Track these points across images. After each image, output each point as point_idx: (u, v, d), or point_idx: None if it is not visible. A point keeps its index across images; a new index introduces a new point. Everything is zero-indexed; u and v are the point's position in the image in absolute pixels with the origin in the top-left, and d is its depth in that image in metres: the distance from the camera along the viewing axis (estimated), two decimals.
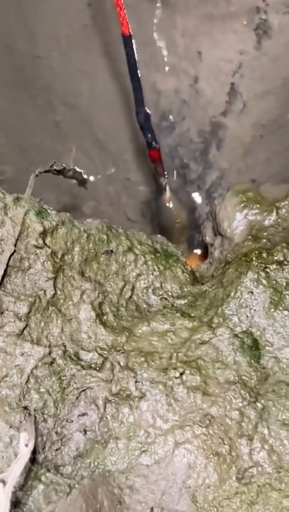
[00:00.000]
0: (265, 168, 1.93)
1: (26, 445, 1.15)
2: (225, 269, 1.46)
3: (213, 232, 1.70)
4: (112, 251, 1.46)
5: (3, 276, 1.31)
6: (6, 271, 1.32)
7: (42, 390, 1.26)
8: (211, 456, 1.20)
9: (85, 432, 1.24)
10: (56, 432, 1.24)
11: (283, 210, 1.57)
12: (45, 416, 1.24)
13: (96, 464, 1.21)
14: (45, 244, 1.37)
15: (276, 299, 1.35)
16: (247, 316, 1.35)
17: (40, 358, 1.27)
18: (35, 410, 1.23)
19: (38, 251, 1.35)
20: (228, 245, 1.59)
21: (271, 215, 1.58)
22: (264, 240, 1.49)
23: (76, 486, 1.17)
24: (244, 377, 1.28)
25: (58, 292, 1.35)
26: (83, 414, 1.25)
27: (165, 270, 1.50)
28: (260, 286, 1.36)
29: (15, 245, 1.33)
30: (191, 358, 1.30)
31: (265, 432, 1.22)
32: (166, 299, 1.46)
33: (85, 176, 1.72)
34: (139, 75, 1.66)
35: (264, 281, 1.36)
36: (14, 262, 1.34)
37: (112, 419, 1.24)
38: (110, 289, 1.43)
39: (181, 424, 1.23)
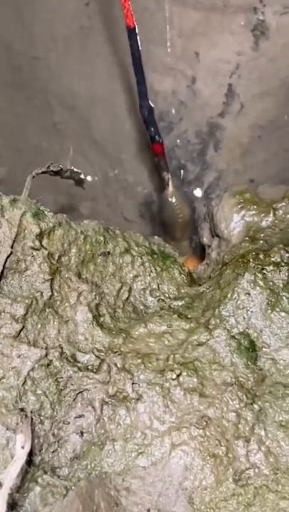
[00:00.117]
0: (262, 169, 1.93)
1: (23, 447, 1.15)
2: (222, 270, 1.46)
3: (210, 234, 1.70)
4: (108, 252, 1.46)
5: (0, 278, 1.31)
6: (2, 273, 1.32)
7: (39, 391, 1.26)
8: (208, 457, 1.20)
9: (82, 433, 1.24)
10: (53, 434, 1.24)
11: (280, 212, 1.57)
12: (41, 418, 1.24)
13: (93, 465, 1.21)
14: (42, 245, 1.37)
15: (273, 300, 1.35)
16: (244, 318, 1.35)
17: (37, 359, 1.27)
18: (31, 412, 1.23)
19: (34, 253, 1.35)
20: (226, 246, 1.59)
21: (268, 216, 1.58)
22: (261, 242, 1.49)
23: (73, 487, 1.17)
24: (241, 379, 1.28)
25: (55, 294, 1.35)
26: (80, 416, 1.25)
27: (162, 271, 1.50)
28: (257, 288, 1.36)
29: (11, 247, 1.33)
30: (188, 359, 1.30)
31: (262, 433, 1.22)
32: (163, 300, 1.46)
33: (82, 177, 1.72)
34: (143, 68, 1.65)
35: (261, 283, 1.36)
36: (11, 263, 1.33)
37: (109, 420, 1.24)
38: (107, 290, 1.43)
39: (177, 425, 1.23)
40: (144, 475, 1.19)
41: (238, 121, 1.91)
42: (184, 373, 1.27)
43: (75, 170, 1.65)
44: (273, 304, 1.35)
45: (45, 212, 1.42)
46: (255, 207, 1.60)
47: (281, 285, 1.36)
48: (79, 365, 1.30)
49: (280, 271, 1.37)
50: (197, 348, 1.31)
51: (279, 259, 1.39)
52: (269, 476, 1.19)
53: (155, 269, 1.49)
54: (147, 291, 1.47)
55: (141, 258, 1.49)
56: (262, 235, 1.53)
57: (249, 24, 1.85)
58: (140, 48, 1.60)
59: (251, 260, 1.39)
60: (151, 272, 1.49)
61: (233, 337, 1.32)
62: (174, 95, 1.93)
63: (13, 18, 2.12)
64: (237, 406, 1.24)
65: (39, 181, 1.47)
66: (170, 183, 1.87)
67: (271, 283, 1.36)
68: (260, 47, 1.86)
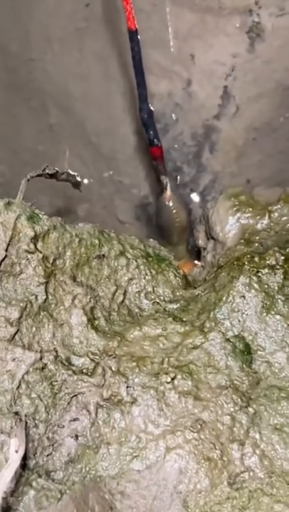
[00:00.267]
0: (258, 171, 1.93)
1: (17, 451, 1.15)
2: (217, 273, 1.46)
3: (205, 236, 1.70)
4: (103, 255, 1.46)
5: None
6: None
7: (33, 395, 1.26)
8: (203, 461, 1.20)
9: (77, 437, 1.24)
10: (47, 438, 1.23)
11: (276, 214, 1.57)
12: (36, 421, 1.24)
13: (87, 469, 1.21)
14: (37, 249, 1.37)
15: (268, 303, 1.35)
16: (239, 321, 1.35)
17: (32, 363, 1.27)
18: (26, 416, 1.23)
19: (29, 256, 1.35)
20: (221, 249, 1.59)
21: (264, 218, 1.58)
22: (256, 244, 1.49)
23: (67, 491, 1.17)
24: (236, 382, 1.28)
25: (50, 297, 1.35)
26: (74, 420, 1.25)
27: (157, 274, 1.50)
28: (252, 291, 1.36)
29: (6, 250, 1.33)
30: (183, 362, 1.29)
31: (257, 436, 1.22)
32: (158, 303, 1.46)
33: (78, 179, 1.71)
34: (144, 71, 1.66)
35: (256, 286, 1.36)
36: (5, 267, 1.33)
37: (104, 424, 1.24)
38: (102, 293, 1.43)
39: (172, 429, 1.23)
40: (138, 478, 1.19)
41: (233, 124, 1.91)
42: (179, 376, 1.27)
43: (71, 172, 1.65)
44: (268, 307, 1.35)
45: (40, 215, 1.42)
46: (250, 209, 1.60)
47: (276, 288, 1.36)
48: (74, 368, 1.30)
49: (275, 274, 1.37)
50: (192, 351, 1.31)
51: (274, 262, 1.39)
52: (264, 480, 1.19)
53: (150, 271, 1.49)
54: (142, 294, 1.47)
55: (136, 261, 1.49)
56: (257, 237, 1.53)
57: (244, 26, 1.84)
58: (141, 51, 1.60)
59: (246, 263, 1.39)
60: (147, 274, 1.49)
61: (228, 340, 1.32)
62: (169, 97, 1.93)
63: (9, 19, 2.12)
64: (232, 409, 1.24)
65: (35, 183, 1.47)
66: (168, 187, 1.87)
67: (266, 286, 1.36)
68: (255, 49, 1.85)
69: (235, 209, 1.61)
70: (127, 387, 1.26)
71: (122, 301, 1.44)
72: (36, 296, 1.34)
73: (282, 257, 1.39)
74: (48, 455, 1.22)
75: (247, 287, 1.36)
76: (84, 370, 1.30)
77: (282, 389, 1.28)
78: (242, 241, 1.53)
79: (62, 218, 1.48)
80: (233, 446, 1.21)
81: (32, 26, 2.08)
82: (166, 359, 1.30)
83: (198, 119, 1.92)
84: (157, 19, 1.89)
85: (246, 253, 1.43)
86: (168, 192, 1.89)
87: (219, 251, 1.60)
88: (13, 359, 1.27)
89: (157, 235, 1.96)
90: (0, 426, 1.20)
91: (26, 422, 1.22)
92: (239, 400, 1.25)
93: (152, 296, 1.47)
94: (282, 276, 1.37)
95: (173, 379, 1.27)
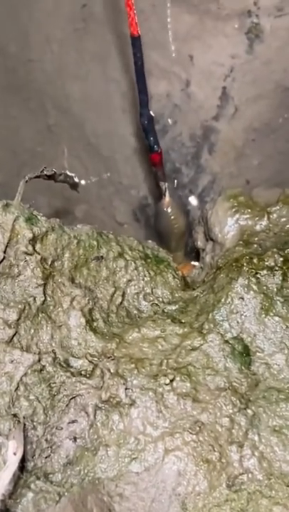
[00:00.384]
0: (257, 172, 1.93)
1: (15, 453, 1.15)
2: (216, 274, 1.46)
3: (204, 237, 1.70)
4: (102, 257, 1.46)
5: None
6: None
7: (31, 397, 1.25)
8: (201, 463, 1.20)
9: (75, 439, 1.24)
10: (46, 440, 1.23)
11: (275, 215, 1.57)
12: (34, 423, 1.24)
13: (86, 471, 1.21)
14: (35, 250, 1.37)
15: (267, 304, 1.35)
16: (238, 322, 1.35)
17: (30, 365, 1.27)
18: (24, 418, 1.23)
19: (27, 257, 1.35)
20: (220, 250, 1.59)
21: (262, 220, 1.58)
22: (255, 245, 1.49)
23: (66, 493, 1.17)
24: (235, 384, 1.28)
25: (48, 299, 1.35)
26: (73, 422, 1.25)
27: (156, 276, 1.50)
28: (251, 292, 1.36)
29: (4, 252, 1.33)
30: (182, 364, 1.29)
31: (256, 438, 1.22)
32: (156, 304, 1.46)
33: (76, 180, 1.71)
34: (146, 76, 1.67)
35: (255, 287, 1.36)
36: (3, 268, 1.33)
37: (102, 426, 1.24)
38: (100, 295, 1.43)
39: (171, 431, 1.22)
40: (137, 481, 1.19)
41: (232, 125, 1.91)
42: (178, 378, 1.27)
43: (69, 173, 1.65)
44: (267, 309, 1.35)
45: (38, 217, 1.41)
46: (249, 210, 1.60)
47: (275, 289, 1.36)
48: (72, 370, 1.30)
49: (273, 275, 1.37)
50: (191, 352, 1.31)
51: (273, 264, 1.38)
52: (262, 482, 1.19)
53: (149, 273, 1.49)
54: (141, 296, 1.47)
55: (134, 262, 1.49)
56: (256, 238, 1.53)
57: (243, 27, 1.84)
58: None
59: (245, 264, 1.39)
60: (145, 276, 1.48)
61: (226, 342, 1.32)
62: (168, 98, 1.93)
63: (8, 20, 2.12)
64: (230, 411, 1.24)
65: (33, 184, 1.47)
66: (167, 193, 1.87)
67: (265, 287, 1.36)
68: (254, 50, 1.85)
69: (234, 210, 1.61)
70: (126, 389, 1.26)
71: (121, 303, 1.44)
72: (34, 298, 1.33)
73: (281, 259, 1.39)
74: (46, 457, 1.22)
75: (246, 289, 1.36)
76: (82, 372, 1.30)
77: (281, 391, 1.28)
78: (241, 242, 1.53)
79: (60, 220, 1.47)
80: (231, 448, 1.21)
81: (31, 27, 2.08)
82: (165, 361, 1.30)
83: (196, 120, 1.92)
84: (156, 20, 1.89)
85: (245, 254, 1.43)
86: (167, 198, 1.89)
87: (218, 252, 1.60)
88: (12, 361, 1.26)
89: (155, 237, 1.96)
90: None
91: (24, 424, 1.22)
92: (238, 401, 1.25)
93: (151, 298, 1.46)
94: (280, 278, 1.37)
95: (171, 381, 1.26)
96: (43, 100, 2.09)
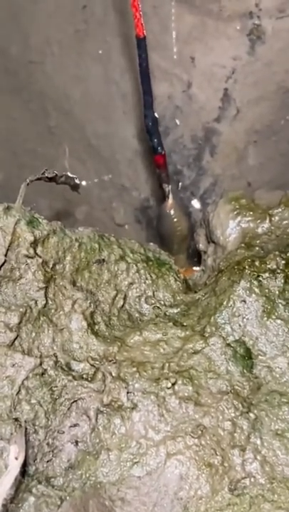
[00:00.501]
0: (259, 174, 1.92)
1: (16, 458, 1.14)
2: (218, 277, 1.45)
3: (206, 240, 1.69)
4: (103, 260, 1.45)
5: None
6: None
7: (33, 401, 1.25)
8: (203, 467, 1.19)
9: (77, 443, 1.23)
10: (47, 444, 1.23)
11: (276, 218, 1.57)
12: (36, 427, 1.23)
13: (87, 475, 1.21)
14: (36, 253, 1.36)
15: (269, 307, 1.34)
16: (240, 325, 1.34)
17: (31, 368, 1.27)
18: (26, 422, 1.22)
19: (28, 261, 1.35)
20: (221, 253, 1.58)
21: (264, 222, 1.57)
22: (257, 248, 1.48)
23: (67, 498, 1.16)
24: (237, 387, 1.27)
25: (49, 302, 1.35)
26: (75, 425, 1.24)
27: (158, 279, 1.49)
28: (253, 295, 1.35)
29: (5, 255, 1.32)
30: (184, 367, 1.29)
31: (258, 442, 1.22)
32: (158, 307, 1.45)
33: (77, 181, 1.71)
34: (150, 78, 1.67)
35: (257, 290, 1.36)
36: (5, 272, 1.33)
37: (104, 430, 1.24)
38: (102, 298, 1.42)
39: (173, 434, 1.22)
40: (139, 485, 1.19)
41: (234, 126, 1.91)
42: (180, 382, 1.26)
43: (70, 175, 1.64)
44: (269, 312, 1.34)
45: (40, 220, 1.41)
46: (251, 213, 1.59)
47: (277, 292, 1.36)
48: (74, 373, 1.29)
49: (275, 278, 1.37)
50: (192, 356, 1.30)
51: (275, 266, 1.38)
52: (265, 486, 1.18)
53: (150, 276, 1.49)
54: (142, 299, 1.46)
55: (136, 265, 1.48)
56: (258, 241, 1.53)
57: (245, 29, 1.84)
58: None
59: (247, 267, 1.38)
60: (147, 279, 1.48)
61: (228, 345, 1.32)
62: (169, 100, 1.92)
63: (9, 21, 2.12)
64: (233, 415, 1.24)
65: (34, 186, 1.47)
66: (170, 195, 1.87)
67: (267, 290, 1.36)
68: (256, 51, 1.85)
69: (235, 212, 1.60)
70: (128, 392, 1.26)
71: (122, 306, 1.44)
72: (36, 301, 1.33)
73: (283, 261, 1.38)
74: (47, 461, 1.21)
75: (248, 291, 1.36)
76: (84, 376, 1.29)
77: (284, 394, 1.27)
78: (243, 245, 1.52)
79: (61, 222, 1.47)
80: (234, 452, 1.21)
81: (31, 28, 2.08)
82: (167, 364, 1.29)
83: (198, 121, 1.92)
84: (157, 22, 1.89)
85: (247, 257, 1.42)
86: (170, 200, 1.89)
87: (220, 255, 1.59)
88: (13, 365, 1.26)
89: (157, 238, 1.96)
90: (0, 432, 1.20)
91: (26, 428, 1.21)
92: (240, 405, 1.25)
93: (152, 301, 1.46)
94: (283, 281, 1.36)
95: (173, 384, 1.26)
96: (44, 102, 2.08)
